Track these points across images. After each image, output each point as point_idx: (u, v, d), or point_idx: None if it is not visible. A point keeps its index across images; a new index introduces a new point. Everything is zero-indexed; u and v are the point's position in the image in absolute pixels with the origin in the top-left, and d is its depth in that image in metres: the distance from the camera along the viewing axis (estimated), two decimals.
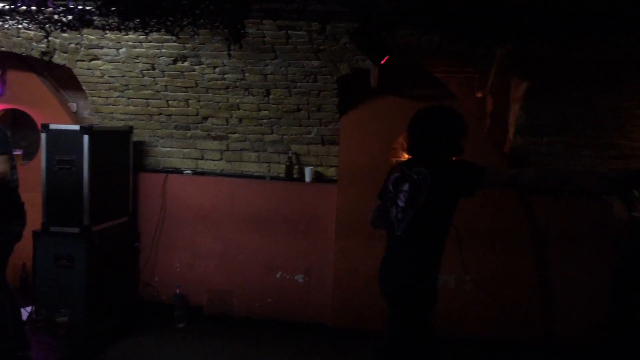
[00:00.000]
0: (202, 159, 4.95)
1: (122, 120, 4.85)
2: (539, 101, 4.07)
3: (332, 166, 4.80)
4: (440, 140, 2.73)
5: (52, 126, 4.23)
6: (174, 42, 4.09)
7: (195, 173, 4.95)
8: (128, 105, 4.74)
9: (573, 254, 4.43)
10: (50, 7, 3.46)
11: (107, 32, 3.82)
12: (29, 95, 4.95)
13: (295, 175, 4.81)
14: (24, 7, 3.48)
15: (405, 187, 2.74)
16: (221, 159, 4.92)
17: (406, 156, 4.87)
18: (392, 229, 2.82)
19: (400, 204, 2.75)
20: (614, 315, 4.09)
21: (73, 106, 5.15)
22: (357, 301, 4.67)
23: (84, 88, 4.72)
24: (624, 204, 4.00)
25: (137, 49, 4.26)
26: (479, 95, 4.48)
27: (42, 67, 4.90)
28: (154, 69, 4.40)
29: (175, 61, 4.31)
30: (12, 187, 3.52)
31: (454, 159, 2.78)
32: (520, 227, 4.45)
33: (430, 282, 2.75)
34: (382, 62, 3.76)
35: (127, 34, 4.01)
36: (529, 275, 4.45)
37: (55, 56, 4.42)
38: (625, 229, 4.03)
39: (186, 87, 4.51)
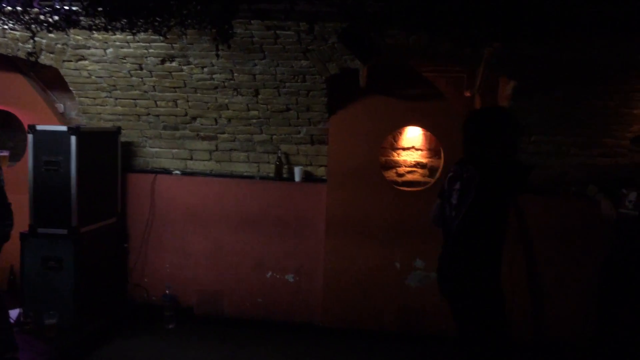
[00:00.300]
0: (191, 159, 4.94)
1: (110, 120, 4.82)
2: (526, 100, 4.09)
3: (321, 166, 4.80)
4: (489, 139, 2.78)
5: (39, 127, 4.20)
6: (162, 42, 4.07)
7: (184, 173, 4.94)
8: (116, 105, 4.71)
9: (561, 252, 4.47)
10: (36, 7, 3.44)
11: (94, 32, 3.79)
12: (15, 96, 4.91)
13: (284, 175, 4.81)
14: (9, 8, 3.45)
15: (457, 185, 2.82)
16: (210, 159, 4.91)
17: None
18: (447, 226, 2.91)
19: (453, 201, 2.84)
20: (601, 312, 4.13)
21: (60, 107, 5.12)
22: (348, 300, 4.68)
23: (71, 89, 4.69)
24: (612, 202, 4.04)
25: (125, 49, 4.23)
26: (468, 94, 4.50)
27: (29, 67, 4.85)
28: (141, 69, 4.38)
29: (163, 61, 4.29)
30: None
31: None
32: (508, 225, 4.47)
33: (486, 279, 2.77)
34: (371, 62, 3.78)
35: (114, 34, 3.98)
36: (518, 273, 4.49)
37: (42, 57, 4.38)
38: (613, 226, 4.07)
39: (174, 87, 4.49)
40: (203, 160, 4.93)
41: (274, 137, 4.73)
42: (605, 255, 4.12)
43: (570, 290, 4.47)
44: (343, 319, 4.69)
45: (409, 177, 4.86)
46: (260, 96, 4.46)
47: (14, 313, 4.17)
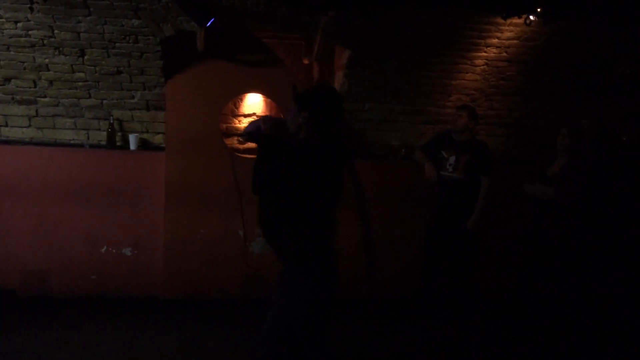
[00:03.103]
0: (5, 125, 4.39)
1: None
2: (360, 69, 4.28)
3: (159, 133, 4.58)
4: None
5: None
6: None
7: None
8: None
9: (393, 213, 4.82)
10: None
11: None
12: None
13: (118, 143, 4.51)
14: None
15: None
16: (30, 125, 4.41)
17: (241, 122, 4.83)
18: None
19: None
20: (424, 266, 4.56)
21: None
22: (191, 271, 4.59)
23: None
24: (434, 165, 4.44)
25: None
26: (306, 62, 4.57)
27: None
28: None
29: None
30: None
31: None
32: (346, 189, 4.69)
33: None
34: (208, 24, 3.65)
35: None
36: (353, 234, 4.75)
37: None
38: (435, 188, 4.48)
39: None
40: (21, 127, 4.41)
41: (105, 102, 4.38)
42: (428, 214, 4.54)
43: (399, 247, 4.85)
44: (186, 291, 4.59)
45: (251, 144, 4.83)
46: (86, 57, 4.08)
47: None
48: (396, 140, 4.77)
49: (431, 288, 4.56)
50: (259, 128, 2.84)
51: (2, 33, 3.86)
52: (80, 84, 4.24)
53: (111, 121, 4.44)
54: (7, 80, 4.17)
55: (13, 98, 4.27)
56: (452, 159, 4.35)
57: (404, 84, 4.45)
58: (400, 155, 4.76)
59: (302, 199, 2.64)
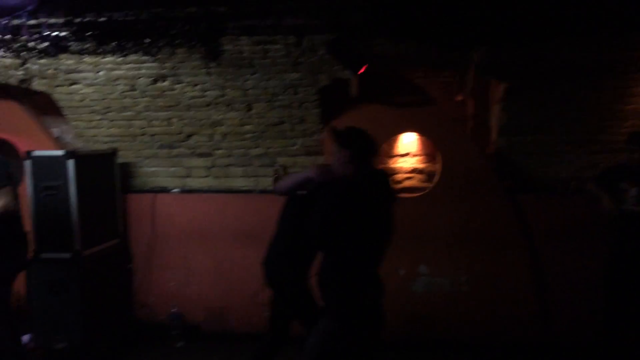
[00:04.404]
0: (188, 176, 4.95)
1: (106, 142, 4.84)
2: (518, 101, 4.10)
3: None
4: None
5: (36, 153, 4.20)
6: (153, 62, 4.10)
7: (183, 191, 4.95)
8: (111, 127, 4.74)
9: (563, 250, 4.45)
10: (24, 35, 3.48)
11: (85, 56, 3.83)
12: (10, 123, 4.92)
13: None
14: None
15: None
16: (208, 175, 4.92)
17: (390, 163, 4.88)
18: None
19: None
20: (608, 310, 4.09)
21: (55, 132, 5.12)
22: None
23: (64, 113, 4.70)
24: (612, 198, 4.00)
25: (116, 71, 4.26)
26: (459, 98, 4.50)
27: (21, 94, 4.87)
28: (134, 90, 4.40)
29: (155, 81, 4.31)
30: (17, 217, 3.53)
31: None
32: (510, 226, 4.46)
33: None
34: (361, 71, 3.79)
35: (105, 57, 4.02)
36: (522, 274, 4.47)
37: (34, 82, 4.40)
38: (615, 223, 4.03)
39: (168, 107, 4.51)
40: (200, 177, 4.94)
41: (270, 150, 4.74)
42: (608, 252, 4.09)
43: (575, 288, 4.44)
44: None
45: (407, 183, 4.85)
46: (253, 111, 4.47)
47: (24, 338, 4.17)
48: (564, 172, 4.43)
49: (618, 335, 4.07)
50: (308, 178, 2.90)
51: (184, 96, 4.41)
52: (249, 135, 4.64)
53: (276, 167, 4.77)
54: (189, 136, 4.72)
55: (194, 152, 4.82)
56: (635, 191, 3.89)
57: (570, 113, 4.15)
58: (570, 188, 4.40)
59: (351, 238, 2.62)
